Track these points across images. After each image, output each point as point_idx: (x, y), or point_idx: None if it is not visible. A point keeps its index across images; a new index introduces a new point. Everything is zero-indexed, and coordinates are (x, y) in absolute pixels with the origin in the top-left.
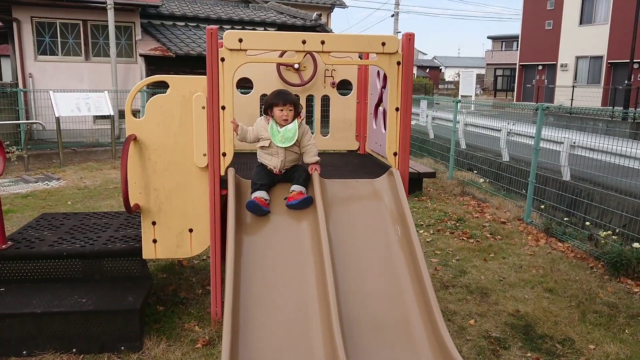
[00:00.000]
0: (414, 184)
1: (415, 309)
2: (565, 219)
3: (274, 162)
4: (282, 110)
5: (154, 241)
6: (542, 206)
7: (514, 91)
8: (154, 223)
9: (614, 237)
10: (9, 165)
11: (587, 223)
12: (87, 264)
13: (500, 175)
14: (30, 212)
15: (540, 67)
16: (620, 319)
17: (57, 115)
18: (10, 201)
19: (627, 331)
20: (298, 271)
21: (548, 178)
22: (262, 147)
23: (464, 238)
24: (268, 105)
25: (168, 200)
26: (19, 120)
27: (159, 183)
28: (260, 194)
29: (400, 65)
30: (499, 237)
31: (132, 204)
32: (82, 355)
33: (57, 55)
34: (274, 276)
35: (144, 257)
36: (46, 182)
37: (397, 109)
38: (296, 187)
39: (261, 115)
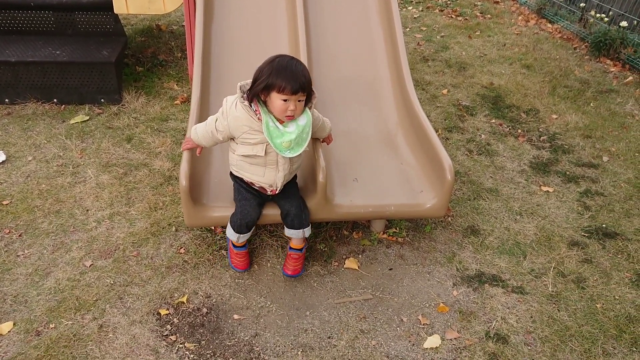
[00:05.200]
0: None
1: (386, 69)
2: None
3: (269, 178)
4: (286, 100)
5: None
6: None
7: None
8: None
9: (605, 18)
10: None
11: (582, 4)
12: (57, 17)
13: None
14: None
15: None
16: (588, 94)
17: None
18: None
19: (591, 104)
20: (270, 33)
21: None
22: (246, 156)
23: (453, 16)
24: (265, 85)
25: None
26: None
27: None
28: (242, 240)
29: None
30: (488, 16)
31: None
32: (63, 106)
33: None
34: (245, 36)
35: (115, 11)
36: None
37: None
38: (295, 237)
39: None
